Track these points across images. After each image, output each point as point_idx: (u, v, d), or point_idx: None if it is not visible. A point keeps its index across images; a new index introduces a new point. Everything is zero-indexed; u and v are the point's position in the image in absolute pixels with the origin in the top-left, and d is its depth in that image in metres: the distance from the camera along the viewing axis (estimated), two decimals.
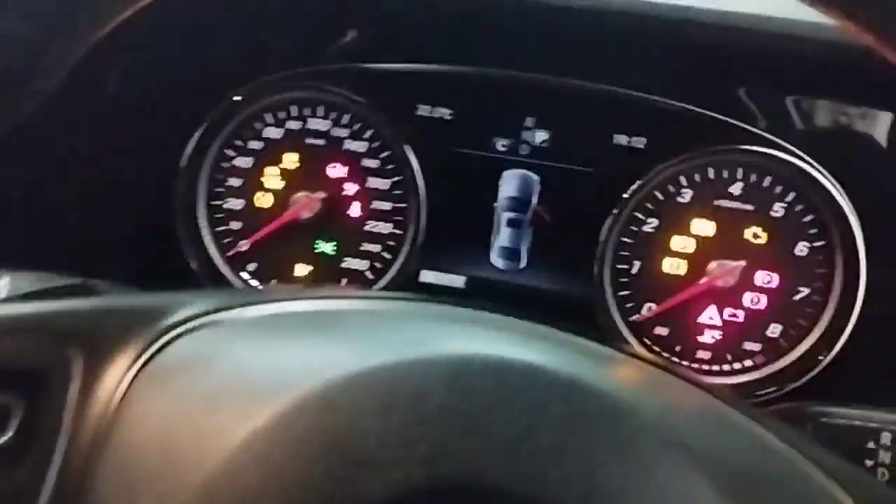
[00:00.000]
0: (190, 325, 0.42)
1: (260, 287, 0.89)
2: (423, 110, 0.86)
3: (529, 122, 0.86)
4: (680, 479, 0.36)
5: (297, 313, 0.44)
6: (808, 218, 0.82)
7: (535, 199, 0.86)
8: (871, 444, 0.56)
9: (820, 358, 0.80)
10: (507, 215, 0.87)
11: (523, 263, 0.87)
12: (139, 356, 0.41)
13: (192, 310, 0.43)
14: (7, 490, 0.39)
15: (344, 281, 0.88)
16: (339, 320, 0.43)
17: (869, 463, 0.56)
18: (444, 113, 0.86)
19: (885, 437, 0.56)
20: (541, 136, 0.86)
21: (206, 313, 0.43)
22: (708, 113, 0.83)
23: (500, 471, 0.34)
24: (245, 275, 0.90)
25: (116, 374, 0.40)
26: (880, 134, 0.83)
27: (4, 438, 0.40)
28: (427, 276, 0.88)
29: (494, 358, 0.38)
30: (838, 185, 0.80)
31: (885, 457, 0.55)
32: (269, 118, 0.87)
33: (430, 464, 0.34)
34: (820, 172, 0.79)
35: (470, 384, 0.36)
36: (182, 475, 0.36)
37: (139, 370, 0.40)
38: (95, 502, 0.38)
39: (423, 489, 0.33)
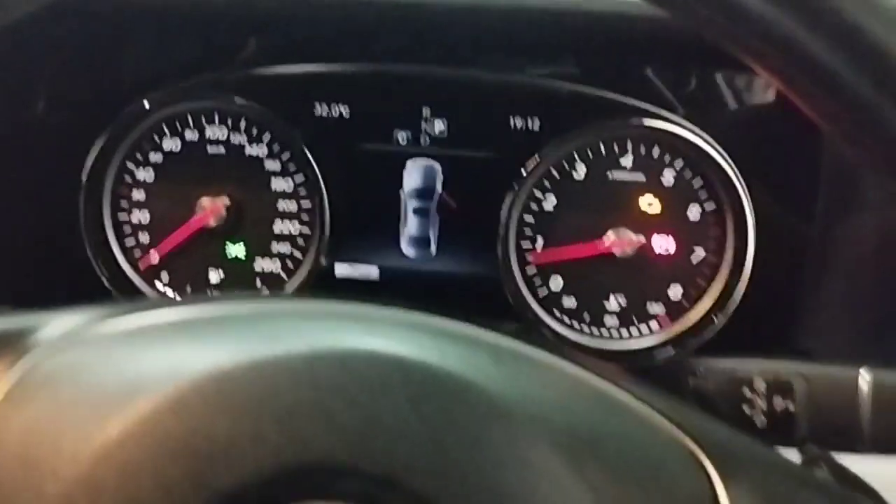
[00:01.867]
0: (54, 342, 0.43)
1: (163, 296, 0.90)
2: (321, 110, 0.87)
3: (427, 112, 0.88)
4: (527, 449, 0.39)
5: (156, 323, 0.45)
6: (698, 183, 0.86)
7: (439, 187, 0.89)
8: (746, 391, 0.60)
9: (713, 320, 0.85)
10: (413, 205, 0.89)
11: (434, 250, 0.90)
12: (1, 377, 0.42)
13: (56, 327, 0.44)
14: None
15: (258, 282, 0.90)
16: (196, 327, 0.45)
17: (746, 408, 0.60)
18: (342, 111, 0.87)
19: (759, 384, 0.60)
20: (439, 126, 0.88)
21: (69, 330, 0.44)
22: (597, 92, 0.86)
23: (348, 453, 0.36)
24: (159, 285, 0.90)
25: None
26: (758, 98, 0.87)
27: None
28: (342, 270, 0.90)
29: (340, 349, 0.41)
30: (722, 151, 0.84)
31: (760, 402, 0.60)
32: (166, 130, 0.88)
33: (280, 453, 0.36)
34: (704, 140, 0.83)
35: (316, 376, 0.39)
36: (42, 486, 0.37)
37: (3, 391, 0.41)
38: None
39: (274, 477, 0.36)
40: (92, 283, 0.88)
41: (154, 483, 0.36)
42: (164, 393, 0.38)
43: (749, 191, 0.83)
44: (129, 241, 0.90)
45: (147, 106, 0.86)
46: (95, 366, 0.43)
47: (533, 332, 0.86)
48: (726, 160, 0.83)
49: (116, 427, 0.38)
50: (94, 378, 0.42)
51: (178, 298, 0.47)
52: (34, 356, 0.43)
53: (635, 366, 0.84)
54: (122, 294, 0.89)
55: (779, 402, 0.60)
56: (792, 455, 0.57)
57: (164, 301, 0.50)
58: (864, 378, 0.59)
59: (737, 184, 0.83)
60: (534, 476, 0.39)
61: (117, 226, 0.90)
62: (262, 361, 0.39)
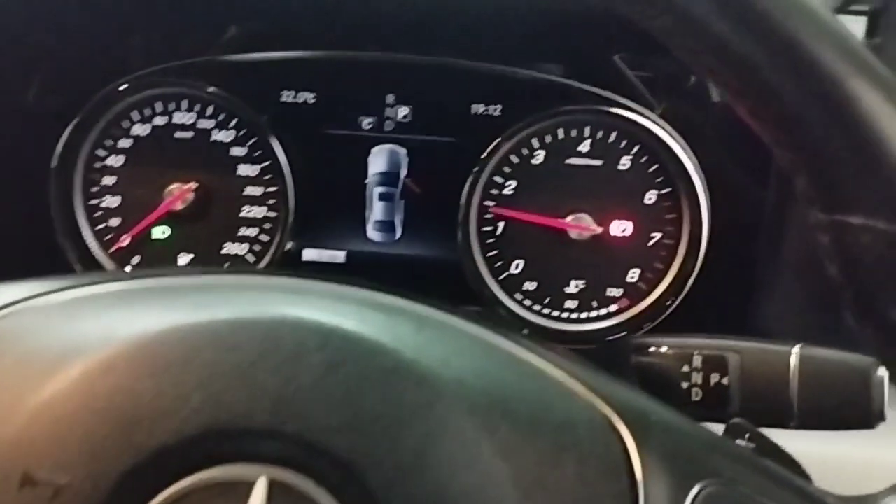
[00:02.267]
0: (4, 311, 0.46)
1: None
2: (287, 96, 0.89)
3: (390, 99, 0.90)
4: (441, 412, 0.41)
5: (100, 293, 0.47)
6: (654, 168, 0.88)
7: (403, 172, 0.91)
8: (685, 368, 0.62)
9: (668, 304, 0.87)
10: (378, 190, 0.91)
11: (398, 234, 0.92)
12: None
13: (6, 297, 0.46)
14: None
15: (226, 265, 0.92)
16: (128, 296, 0.47)
17: (685, 384, 0.62)
18: (308, 97, 0.89)
19: (697, 360, 0.62)
20: (402, 112, 0.90)
21: (14, 302, 0.46)
22: (555, 79, 0.88)
23: (266, 415, 0.38)
24: (129, 269, 0.93)
25: None
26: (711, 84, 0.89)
27: None
28: (309, 255, 0.92)
29: (262, 316, 0.43)
30: (677, 136, 0.86)
31: (696, 377, 0.62)
32: (135, 116, 0.90)
33: (201, 413, 0.38)
34: (658, 125, 0.85)
35: (238, 341, 0.41)
36: None
37: None
38: None
39: (195, 437, 0.38)
40: (63, 267, 0.90)
41: (80, 442, 0.38)
42: (93, 356, 0.40)
43: (704, 175, 0.85)
44: (100, 226, 0.92)
45: (121, 89, 0.88)
46: (32, 334, 0.45)
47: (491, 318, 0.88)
48: (681, 146, 0.85)
49: (47, 390, 0.40)
50: (29, 345, 0.44)
51: (117, 272, 0.49)
52: None
53: (586, 345, 0.86)
54: None
55: (714, 378, 0.62)
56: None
57: (103, 275, 0.52)
58: (795, 355, 0.61)
59: (691, 169, 0.85)
60: (447, 436, 0.41)
61: (89, 210, 0.92)
62: (187, 327, 0.42)
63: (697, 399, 0.62)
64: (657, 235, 0.89)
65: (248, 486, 0.38)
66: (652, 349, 0.65)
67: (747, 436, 0.56)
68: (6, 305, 0.47)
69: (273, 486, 0.38)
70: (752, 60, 0.39)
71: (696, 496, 0.43)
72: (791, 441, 0.59)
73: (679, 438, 0.47)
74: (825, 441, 0.62)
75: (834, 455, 0.62)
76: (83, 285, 0.48)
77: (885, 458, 0.66)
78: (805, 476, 0.54)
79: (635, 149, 0.87)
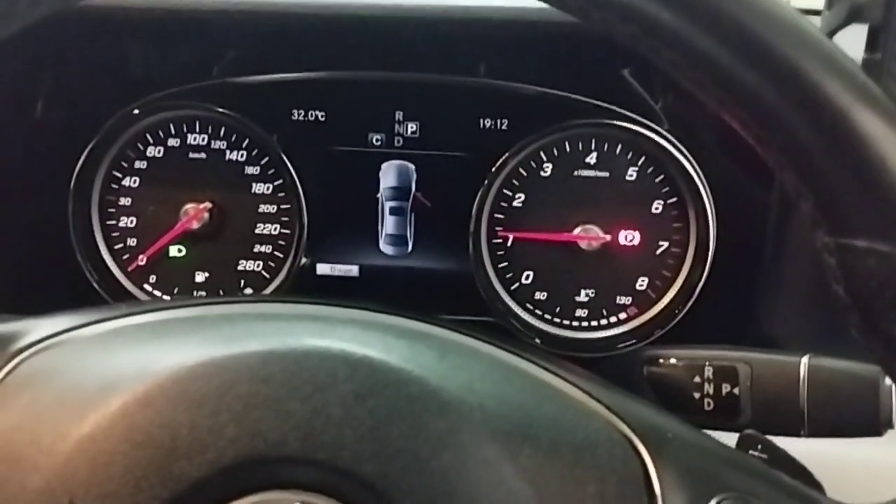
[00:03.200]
0: (36, 347, 0.48)
1: (153, 298, 0.94)
2: (297, 115, 0.91)
3: (399, 116, 0.92)
4: (465, 437, 0.43)
5: (125, 326, 0.49)
6: (660, 178, 0.89)
7: (413, 187, 0.93)
8: (696, 378, 0.64)
9: (677, 311, 0.89)
10: (390, 204, 0.93)
11: (410, 248, 0.94)
12: None
13: (38, 333, 0.48)
14: None
15: (241, 283, 0.93)
16: (161, 329, 0.49)
17: (696, 394, 0.64)
18: (318, 115, 0.91)
19: (708, 371, 0.64)
20: (411, 128, 0.92)
21: (52, 335, 0.48)
22: (562, 93, 0.90)
23: (299, 444, 0.40)
24: (148, 287, 0.94)
25: None
26: None
27: None
28: (323, 269, 0.94)
29: (292, 347, 0.44)
30: (682, 148, 0.87)
31: (708, 388, 0.63)
32: (150, 138, 0.91)
33: (237, 444, 0.40)
34: (664, 138, 0.87)
35: (270, 372, 0.42)
36: (24, 479, 0.41)
37: None
38: None
39: (232, 467, 0.40)
40: (82, 286, 0.92)
41: (123, 473, 0.40)
42: (132, 390, 0.42)
43: (709, 184, 0.87)
44: (118, 245, 0.94)
45: (136, 112, 0.89)
46: (71, 367, 0.47)
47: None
48: (687, 157, 0.87)
49: (89, 423, 0.42)
50: (70, 379, 0.46)
51: (147, 303, 0.51)
52: (24, 358, 0.48)
53: (596, 354, 0.88)
54: (112, 296, 0.93)
55: (725, 388, 0.64)
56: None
57: (133, 306, 0.54)
58: (805, 365, 0.62)
59: (696, 179, 0.87)
60: (471, 461, 0.43)
61: (106, 230, 0.93)
62: (221, 360, 0.43)
63: (709, 409, 0.64)
64: (665, 244, 0.90)
65: None
66: (663, 360, 0.67)
67: (759, 446, 0.57)
68: (42, 340, 0.49)
69: None
70: (754, 92, 0.40)
71: None
72: (802, 447, 0.61)
73: (695, 454, 0.48)
74: (835, 448, 0.64)
75: (844, 462, 0.63)
76: (115, 318, 0.50)
77: (894, 463, 0.68)
78: (816, 485, 0.56)
79: (641, 160, 0.89)
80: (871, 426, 0.61)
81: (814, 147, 0.40)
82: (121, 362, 0.46)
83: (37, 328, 0.50)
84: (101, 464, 0.41)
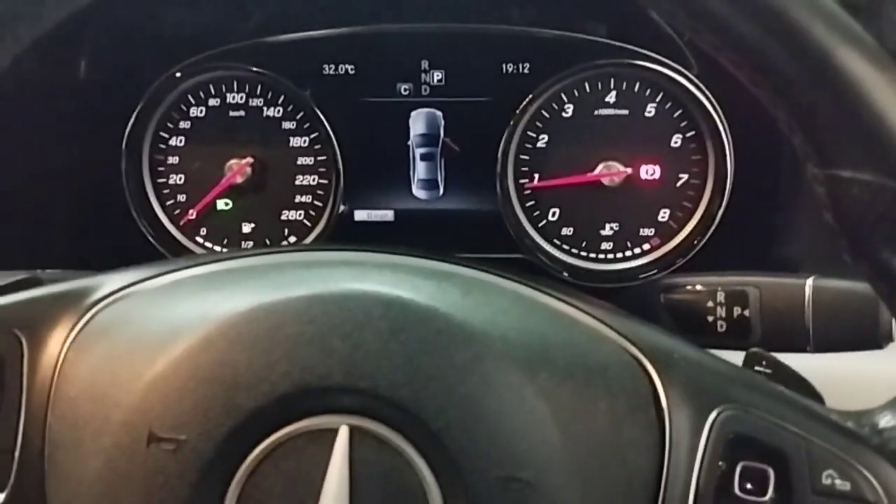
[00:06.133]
0: (109, 299, 0.54)
1: (204, 250, 1.01)
2: (328, 70, 0.96)
3: (425, 65, 0.96)
4: (489, 364, 0.48)
5: (192, 277, 0.56)
6: (678, 113, 0.93)
7: (442, 133, 0.97)
8: (710, 303, 0.69)
9: (696, 241, 0.93)
10: (420, 151, 0.98)
11: (441, 191, 0.99)
12: (70, 330, 0.53)
13: (110, 286, 0.55)
14: None
15: (286, 230, 1.00)
16: (223, 279, 0.55)
17: (710, 318, 0.69)
18: (348, 69, 0.96)
19: (720, 296, 0.68)
20: (437, 76, 0.96)
21: (122, 287, 0.55)
22: (581, 36, 0.93)
23: (341, 374, 0.46)
24: (199, 239, 1.01)
25: (55, 347, 0.53)
26: None
27: None
28: (360, 216, 1.00)
29: (333, 290, 0.50)
30: (699, 82, 0.90)
31: (721, 311, 0.68)
32: (192, 99, 0.97)
33: (288, 377, 0.46)
34: (682, 75, 0.90)
35: (314, 314, 0.48)
36: (108, 414, 0.48)
37: (72, 341, 0.53)
38: (52, 442, 0.51)
39: (285, 396, 0.46)
40: (136, 241, 0.99)
41: (192, 406, 0.47)
42: (195, 334, 0.48)
43: (726, 117, 0.90)
44: (169, 202, 1.00)
45: (178, 75, 0.95)
46: (140, 316, 0.53)
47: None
48: (703, 91, 0.90)
49: (160, 364, 0.48)
50: (140, 326, 0.52)
51: (203, 255, 0.56)
52: (98, 310, 0.54)
53: (620, 285, 0.93)
54: (166, 248, 1.00)
55: (737, 311, 0.68)
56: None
57: (191, 259, 0.60)
58: (809, 286, 0.67)
59: (714, 113, 0.90)
60: (495, 385, 0.48)
61: (157, 188, 1.00)
62: (271, 304, 0.49)
63: (722, 331, 0.69)
64: (684, 177, 0.94)
65: (333, 433, 0.46)
66: (679, 288, 0.72)
67: (764, 363, 0.62)
68: (113, 293, 0.55)
69: (353, 432, 0.46)
70: (746, 34, 0.44)
71: (714, 420, 0.50)
72: (807, 363, 0.65)
73: (699, 372, 0.53)
74: (838, 363, 0.68)
75: (846, 375, 0.68)
76: (176, 270, 0.56)
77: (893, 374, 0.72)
78: (817, 396, 0.60)
79: (660, 96, 0.92)
80: (873, 340, 0.66)
81: (800, 85, 0.44)
82: (184, 310, 0.52)
83: (107, 282, 0.56)
84: (173, 399, 0.47)
